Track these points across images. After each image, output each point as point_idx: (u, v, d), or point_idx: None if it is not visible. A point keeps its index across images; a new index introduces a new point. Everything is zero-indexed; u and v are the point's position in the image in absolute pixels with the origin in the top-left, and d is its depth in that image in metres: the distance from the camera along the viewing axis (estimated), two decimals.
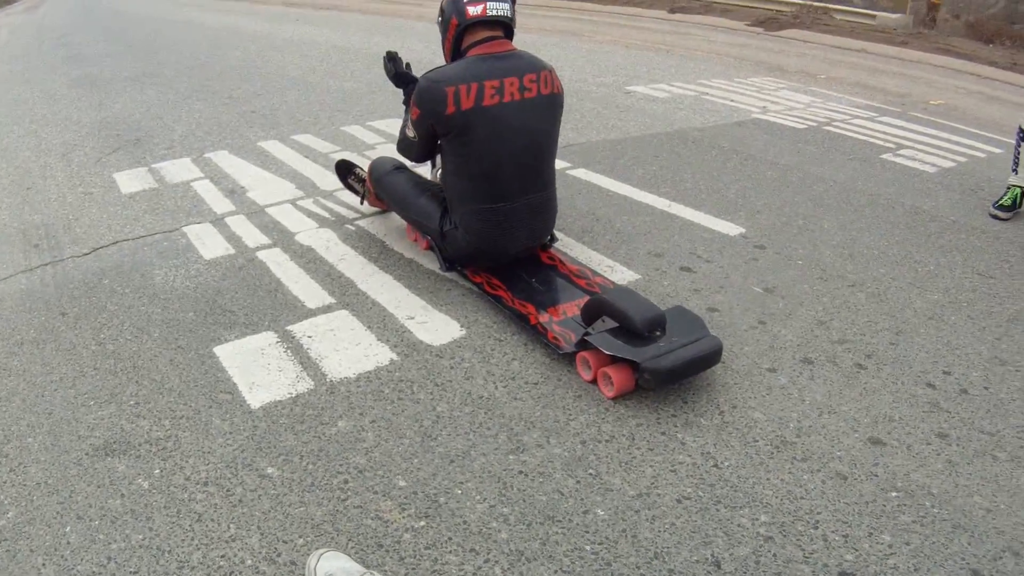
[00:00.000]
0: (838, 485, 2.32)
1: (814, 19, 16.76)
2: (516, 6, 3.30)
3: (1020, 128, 4.81)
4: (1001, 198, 4.88)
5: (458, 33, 3.20)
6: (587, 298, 3.02)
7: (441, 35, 3.29)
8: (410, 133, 3.32)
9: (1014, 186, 4.86)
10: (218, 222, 4.07)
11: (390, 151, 5.06)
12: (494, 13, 3.14)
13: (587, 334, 2.76)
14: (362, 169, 4.23)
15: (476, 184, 3.21)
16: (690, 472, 2.33)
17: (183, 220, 4.10)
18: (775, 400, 2.70)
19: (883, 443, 2.53)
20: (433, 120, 3.12)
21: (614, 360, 2.64)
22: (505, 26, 3.24)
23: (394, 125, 6.00)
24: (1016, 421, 2.71)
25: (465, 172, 3.21)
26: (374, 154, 5.10)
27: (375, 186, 3.76)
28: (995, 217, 4.79)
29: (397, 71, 3.66)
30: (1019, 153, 4.83)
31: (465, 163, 3.19)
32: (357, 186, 4.21)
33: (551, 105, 3.27)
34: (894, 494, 2.30)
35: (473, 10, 3.12)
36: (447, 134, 3.15)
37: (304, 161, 5.09)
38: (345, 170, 4.34)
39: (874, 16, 17.07)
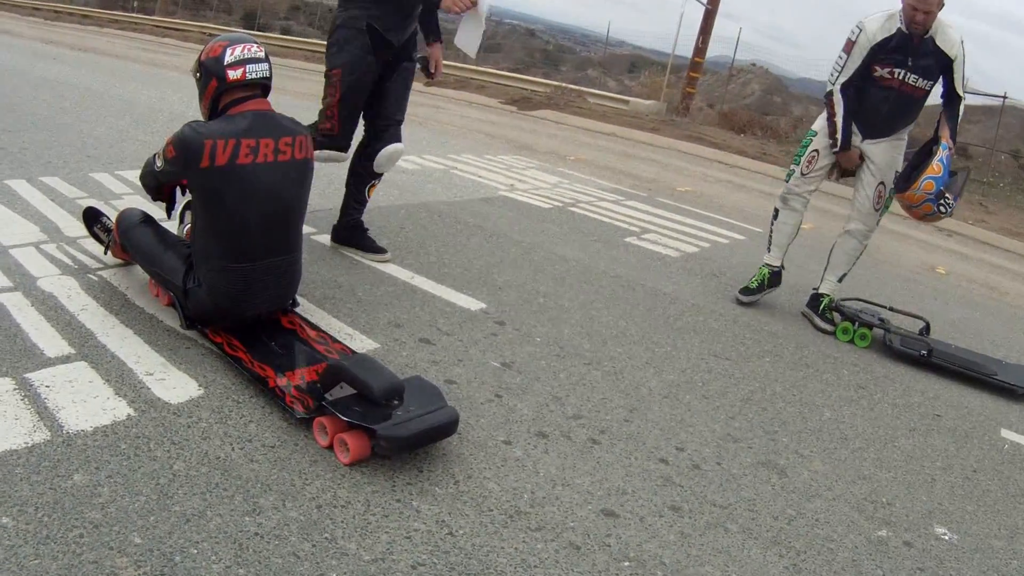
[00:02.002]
0: (571, 555, 2.53)
1: (567, 101, 17.87)
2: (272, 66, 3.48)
3: (775, 208, 5.39)
4: (750, 280, 5.41)
5: (217, 93, 3.37)
6: (326, 364, 3.16)
7: (199, 91, 3.45)
8: (159, 163, 3.43)
9: (764, 265, 5.40)
10: None
11: (138, 202, 5.07)
12: (253, 76, 3.35)
13: (325, 400, 2.89)
14: (109, 218, 4.25)
15: (223, 242, 3.33)
16: (425, 539, 2.47)
17: None
18: (510, 471, 2.91)
19: (616, 515, 2.78)
20: (185, 169, 3.27)
21: (351, 426, 2.78)
22: (263, 85, 3.43)
23: None
24: (747, 495, 3.06)
25: (213, 229, 3.33)
26: (121, 204, 5.08)
27: (121, 237, 3.81)
28: (739, 302, 5.33)
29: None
30: (772, 231, 5.39)
31: (214, 220, 3.32)
32: (103, 235, 4.21)
33: (303, 170, 3.48)
34: (626, 564, 2.54)
35: (233, 73, 3.31)
36: (197, 188, 3.29)
37: (50, 204, 5.00)
38: (92, 218, 4.34)
39: (627, 101, 18.41)
